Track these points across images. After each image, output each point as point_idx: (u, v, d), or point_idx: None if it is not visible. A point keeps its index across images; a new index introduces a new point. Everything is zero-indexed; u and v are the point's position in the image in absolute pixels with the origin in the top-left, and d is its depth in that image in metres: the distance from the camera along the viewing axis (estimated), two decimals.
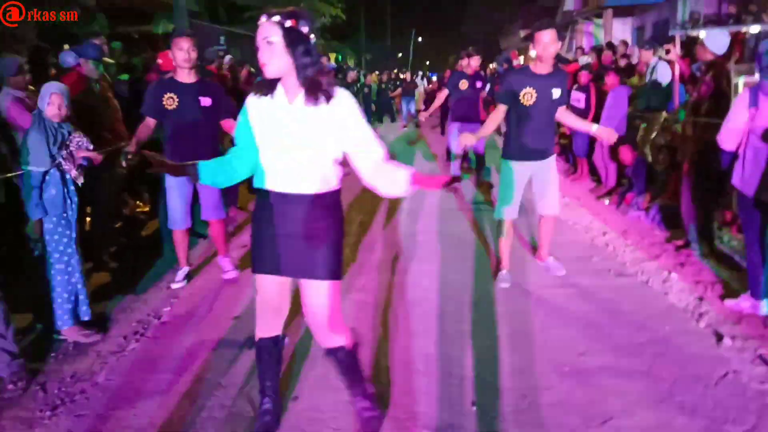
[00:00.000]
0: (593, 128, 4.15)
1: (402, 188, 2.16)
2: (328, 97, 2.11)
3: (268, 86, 2.16)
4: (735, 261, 4.64)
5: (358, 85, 14.87)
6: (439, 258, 4.88)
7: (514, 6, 32.73)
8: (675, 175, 5.72)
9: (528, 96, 3.90)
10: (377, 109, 17.42)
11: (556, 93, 3.96)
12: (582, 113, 7.83)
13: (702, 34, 7.44)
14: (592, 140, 7.56)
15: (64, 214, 3.31)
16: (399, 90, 18.13)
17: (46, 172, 3.23)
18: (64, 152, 3.29)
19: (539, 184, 4.21)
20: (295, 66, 2.06)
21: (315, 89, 2.09)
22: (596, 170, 7.74)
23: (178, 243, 4.33)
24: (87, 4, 10.29)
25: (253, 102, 2.21)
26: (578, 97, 7.90)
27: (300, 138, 2.13)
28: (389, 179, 2.18)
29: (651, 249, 5.00)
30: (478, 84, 7.60)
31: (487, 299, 3.99)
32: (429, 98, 22.32)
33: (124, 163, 3.84)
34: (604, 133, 4.06)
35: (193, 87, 4.02)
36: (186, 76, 4.00)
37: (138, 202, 6.67)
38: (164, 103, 3.95)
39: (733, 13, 10.46)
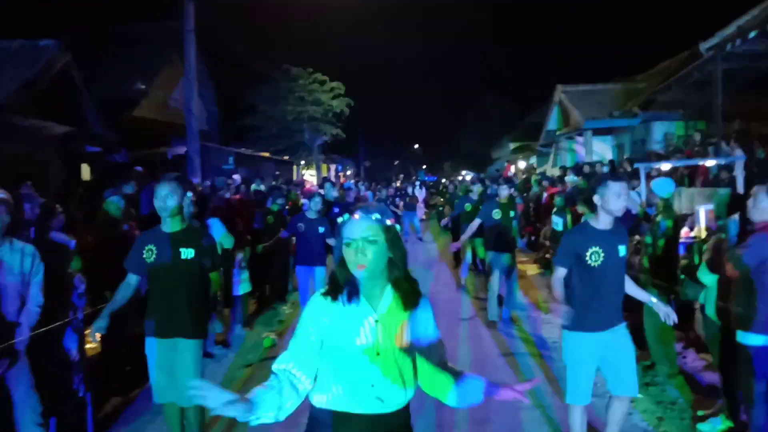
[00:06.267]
0: (652, 299, 3.70)
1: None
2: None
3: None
4: (696, 380, 5.13)
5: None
6: None
7: (504, 121, 35.03)
8: None
9: (595, 256, 3.48)
10: None
11: (622, 250, 3.55)
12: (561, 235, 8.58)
13: (664, 166, 8.33)
14: None
15: None
16: (401, 204, 17.89)
17: None
18: None
19: (609, 357, 3.59)
20: None
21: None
22: None
23: (170, 417, 3.78)
24: (112, 137, 11.36)
25: None
26: (557, 221, 8.67)
27: None
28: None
29: None
30: (511, 213, 7.37)
31: None
32: (428, 206, 23.14)
33: (95, 338, 3.57)
34: (662, 310, 3.56)
35: (174, 237, 3.64)
36: (167, 225, 3.65)
37: None
38: (144, 256, 3.62)
39: (697, 141, 11.49)
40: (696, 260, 4.64)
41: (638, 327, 6.09)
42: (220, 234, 6.26)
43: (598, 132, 18.02)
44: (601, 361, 3.60)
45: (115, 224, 5.57)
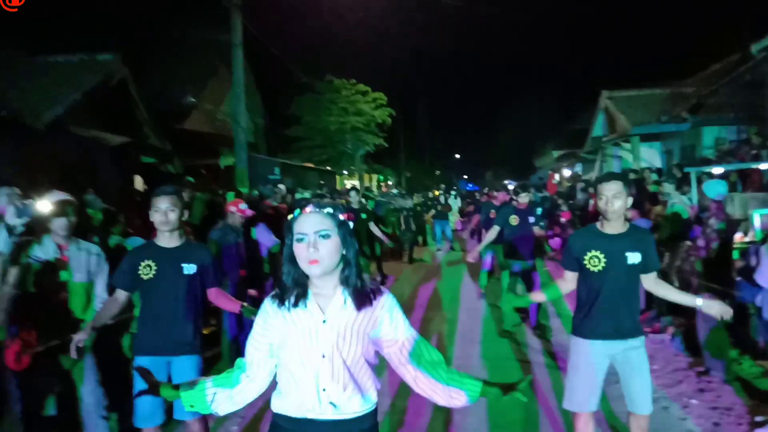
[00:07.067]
0: (698, 302, 3.29)
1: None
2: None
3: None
4: (754, 386, 4.98)
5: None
6: None
7: (547, 128, 34.63)
8: None
9: (594, 260, 3.28)
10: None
11: (633, 258, 3.25)
12: None
13: (715, 170, 8.13)
14: None
15: None
16: (431, 213, 17.54)
17: None
18: None
19: (622, 371, 3.39)
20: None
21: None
22: None
23: None
24: (166, 149, 11.76)
25: None
26: None
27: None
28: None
29: (674, 375, 5.38)
30: (531, 219, 7.20)
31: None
32: (463, 215, 22.93)
33: (74, 355, 3.42)
34: (713, 308, 3.23)
35: (175, 252, 3.47)
36: (167, 240, 3.47)
37: None
38: (139, 272, 3.41)
39: (756, 143, 11.13)
40: (753, 262, 4.54)
41: (692, 333, 5.98)
42: (269, 240, 6.49)
43: (646, 138, 17.63)
44: (617, 373, 3.43)
45: None
